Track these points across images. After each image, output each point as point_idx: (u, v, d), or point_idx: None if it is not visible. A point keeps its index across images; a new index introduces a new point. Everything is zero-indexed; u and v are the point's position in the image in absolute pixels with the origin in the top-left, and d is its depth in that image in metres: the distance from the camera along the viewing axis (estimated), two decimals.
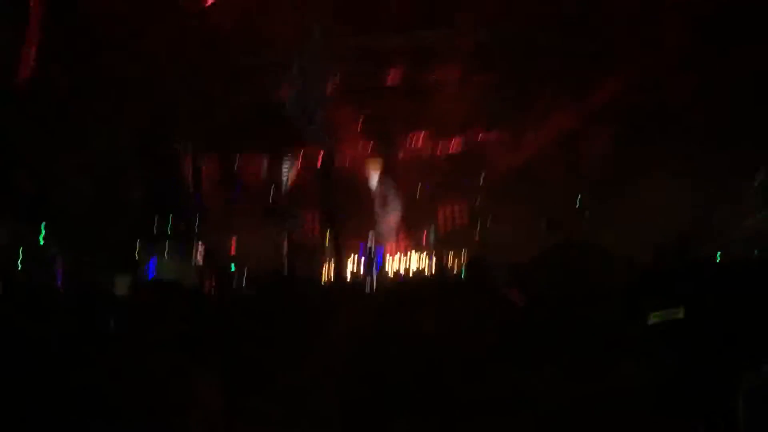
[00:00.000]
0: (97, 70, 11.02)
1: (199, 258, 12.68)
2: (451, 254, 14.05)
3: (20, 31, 9.80)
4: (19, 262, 11.03)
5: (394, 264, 16.56)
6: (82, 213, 11.51)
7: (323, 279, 12.84)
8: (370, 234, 14.37)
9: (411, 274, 13.17)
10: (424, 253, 17.34)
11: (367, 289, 9.30)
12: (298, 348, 2.46)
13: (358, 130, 17.08)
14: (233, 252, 13.77)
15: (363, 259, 11.79)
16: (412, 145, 17.95)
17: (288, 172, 19.02)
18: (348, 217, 18.01)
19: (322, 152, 13.46)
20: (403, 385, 2.19)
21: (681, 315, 2.11)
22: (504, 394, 1.96)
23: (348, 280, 12.15)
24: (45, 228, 11.28)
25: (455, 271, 10.65)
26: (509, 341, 2.45)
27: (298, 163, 18.17)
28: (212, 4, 12.14)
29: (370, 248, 12.65)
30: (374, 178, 18.13)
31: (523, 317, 2.70)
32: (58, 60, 10.51)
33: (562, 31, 12.12)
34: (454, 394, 2.07)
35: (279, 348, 2.48)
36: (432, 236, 19.53)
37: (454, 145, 16.98)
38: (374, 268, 11.33)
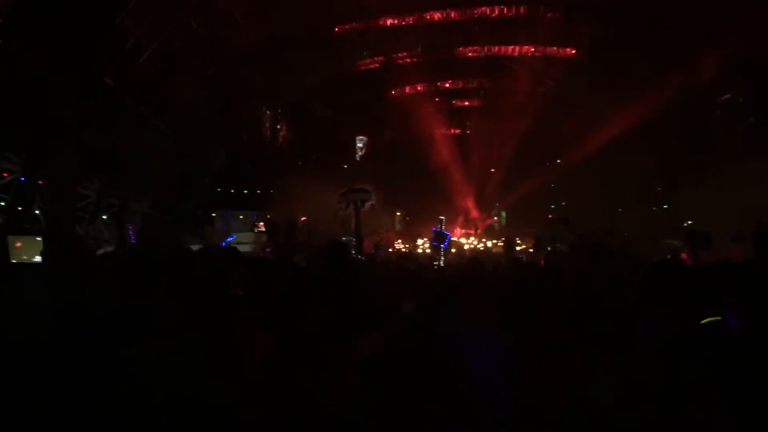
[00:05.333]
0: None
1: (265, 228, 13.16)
2: (516, 239, 13.70)
3: None
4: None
5: (464, 245, 16.40)
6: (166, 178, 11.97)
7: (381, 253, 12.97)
8: (440, 217, 14.30)
9: (476, 255, 12.96)
10: (492, 237, 17.08)
11: (436, 265, 9.29)
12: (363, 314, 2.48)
13: (435, 105, 16.88)
14: (302, 226, 14.04)
15: (433, 238, 11.73)
16: (488, 126, 17.58)
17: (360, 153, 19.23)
18: (417, 198, 18.01)
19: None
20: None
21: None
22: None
23: (414, 256, 12.13)
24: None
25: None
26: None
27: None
28: None
29: (440, 230, 12.55)
30: (447, 160, 17.88)
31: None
32: None
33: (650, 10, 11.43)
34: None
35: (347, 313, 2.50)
36: (502, 221, 19.16)
37: (529, 128, 16.45)
38: (442, 248, 11.24)
